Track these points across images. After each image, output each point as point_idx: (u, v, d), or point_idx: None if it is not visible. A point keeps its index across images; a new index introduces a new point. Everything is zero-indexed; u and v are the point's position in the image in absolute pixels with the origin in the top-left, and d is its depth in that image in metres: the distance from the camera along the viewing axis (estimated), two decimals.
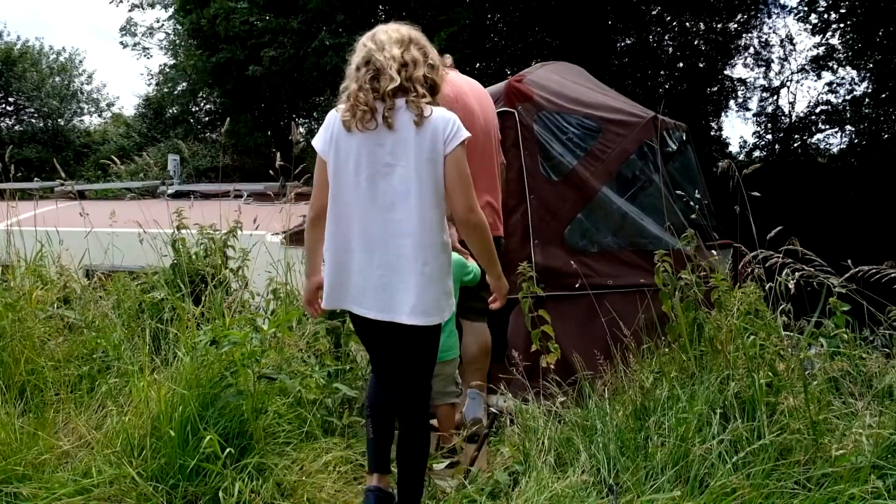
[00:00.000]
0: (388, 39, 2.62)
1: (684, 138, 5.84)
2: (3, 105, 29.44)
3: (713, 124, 20.31)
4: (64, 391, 3.71)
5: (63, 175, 4.98)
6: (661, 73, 20.20)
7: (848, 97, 18.56)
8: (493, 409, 4.01)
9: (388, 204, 2.57)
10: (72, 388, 3.78)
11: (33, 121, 29.65)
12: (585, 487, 2.91)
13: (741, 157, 19.65)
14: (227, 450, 2.87)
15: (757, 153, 19.85)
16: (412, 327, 2.59)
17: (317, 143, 2.70)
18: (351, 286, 2.65)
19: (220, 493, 2.82)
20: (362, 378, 4.34)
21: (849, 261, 3.31)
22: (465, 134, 2.58)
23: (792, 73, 19.75)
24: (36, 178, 7.06)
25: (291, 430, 3.35)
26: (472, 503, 3.19)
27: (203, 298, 4.44)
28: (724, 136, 21.00)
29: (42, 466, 3.18)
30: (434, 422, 3.50)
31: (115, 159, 4.89)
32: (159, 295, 4.54)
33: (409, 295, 2.56)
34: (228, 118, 6.28)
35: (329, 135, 2.66)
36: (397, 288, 2.57)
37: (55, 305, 4.53)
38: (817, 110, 19.15)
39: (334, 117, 2.66)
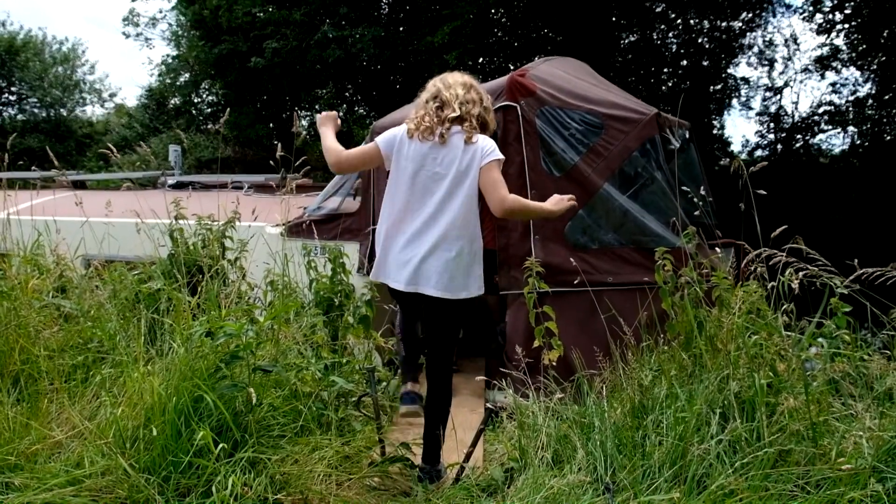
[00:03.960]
0: (454, 82, 3.33)
1: (687, 136, 5.80)
2: (6, 94, 29.40)
3: (716, 123, 20.27)
4: (58, 381, 3.68)
5: (56, 164, 4.93)
6: (665, 70, 20.14)
7: (851, 98, 18.54)
8: (489, 405, 3.99)
9: (435, 203, 3.23)
10: (66, 378, 3.75)
11: (36, 110, 29.64)
12: (582, 485, 2.88)
13: (743, 155, 19.57)
14: (221, 445, 2.84)
15: (759, 152, 19.83)
16: (437, 299, 3.25)
17: (381, 140, 3.37)
18: (390, 263, 3.34)
19: (213, 487, 2.79)
20: (359, 371, 4.31)
21: (855, 261, 3.27)
22: (500, 156, 3.25)
23: (795, 73, 19.71)
24: (34, 168, 7.01)
25: (286, 424, 3.32)
26: (467, 499, 3.17)
27: (199, 289, 4.41)
28: (726, 135, 21.00)
29: (34, 456, 3.14)
30: None
31: (113, 148, 4.82)
32: (156, 285, 4.51)
33: (437, 274, 3.22)
34: (229, 108, 6.23)
35: (393, 139, 3.34)
36: (430, 267, 3.22)
37: (51, 295, 4.50)
38: (820, 110, 19.13)
39: (402, 129, 3.34)
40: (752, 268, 3.53)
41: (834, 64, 18.54)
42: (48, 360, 3.80)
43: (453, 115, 3.24)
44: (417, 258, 3.24)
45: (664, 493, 2.74)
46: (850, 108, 18.44)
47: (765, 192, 3.42)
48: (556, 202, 3.36)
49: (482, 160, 3.21)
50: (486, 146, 3.24)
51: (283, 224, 5.72)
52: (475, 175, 3.22)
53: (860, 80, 18.40)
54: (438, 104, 3.28)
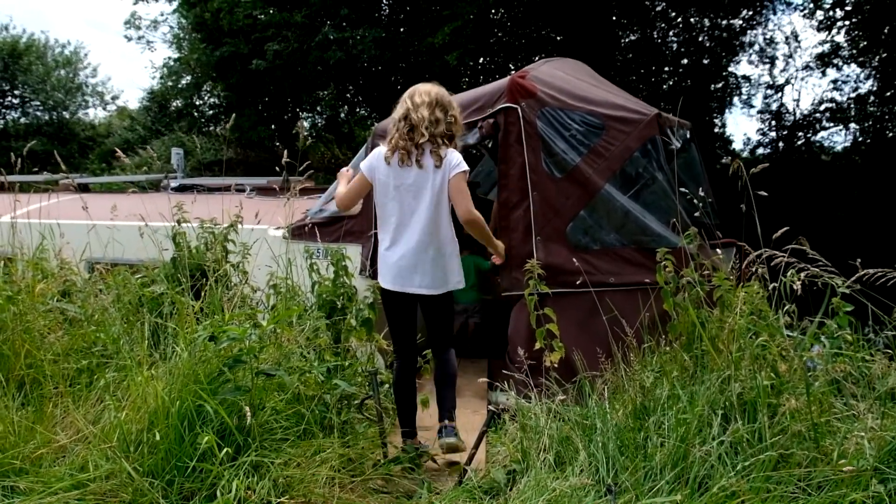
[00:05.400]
0: (420, 103, 3.70)
1: (688, 136, 5.80)
2: (9, 98, 29.48)
3: (717, 121, 20.20)
4: (62, 385, 3.70)
5: (64, 167, 4.95)
6: (666, 69, 20.09)
7: (853, 95, 18.45)
8: (492, 407, 4.00)
9: (412, 214, 3.70)
10: (70, 382, 3.77)
11: (39, 113, 29.72)
12: (584, 487, 2.89)
13: (745, 154, 19.57)
14: (224, 449, 2.85)
15: (760, 150, 19.75)
16: (427, 296, 3.75)
17: (363, 166, 3.85)
18: (387, 270, 3.79)
19: (217, 491, 2.80)
20: (361, 374, 4.33)
21: (858, 261, 3.27)
22: (465, 168, 3.69)
23: (797, 71, 19.63)
24: (45, 171, 7.03)
25: (289, 427, 3.34)
26: (469, 501, 3.18)
27: (203, 293, 4.42)
28: (727, 134, 20.89)
29: (39, 460, 3.17)
30: None
31: (121, 153, 4.84)
32: (159, 289, 4.53)
33: (423, 274, 3.71)
34: (234, 114, 6.22)
35: (372, 164, 3.81)
36: (416, 269, 3.70)
37: (55, 299, 4.51)
38: (822, 108, 19.03)
39: (380, 152, 3.79)
40: (754, 268, 3.53)
41: (835, 61, 18.48)
42: (53, 365, 3.82)
43: (423, 140, 3.65)
44: (403, 262, 3.72)
45: (666, 494, 2.75)
46: (852, 105, 18.36)
47: (766, 194, 3.42)
48: (501, 253, 4.30)
49: (450, 173, 3.67)
50: (453, 161, 3.69)
51: (286, 227, 5.74)
52: (445, 187, 3.68)
53: (861, 76, 18.34)
54: (408, 127, 3.69)
